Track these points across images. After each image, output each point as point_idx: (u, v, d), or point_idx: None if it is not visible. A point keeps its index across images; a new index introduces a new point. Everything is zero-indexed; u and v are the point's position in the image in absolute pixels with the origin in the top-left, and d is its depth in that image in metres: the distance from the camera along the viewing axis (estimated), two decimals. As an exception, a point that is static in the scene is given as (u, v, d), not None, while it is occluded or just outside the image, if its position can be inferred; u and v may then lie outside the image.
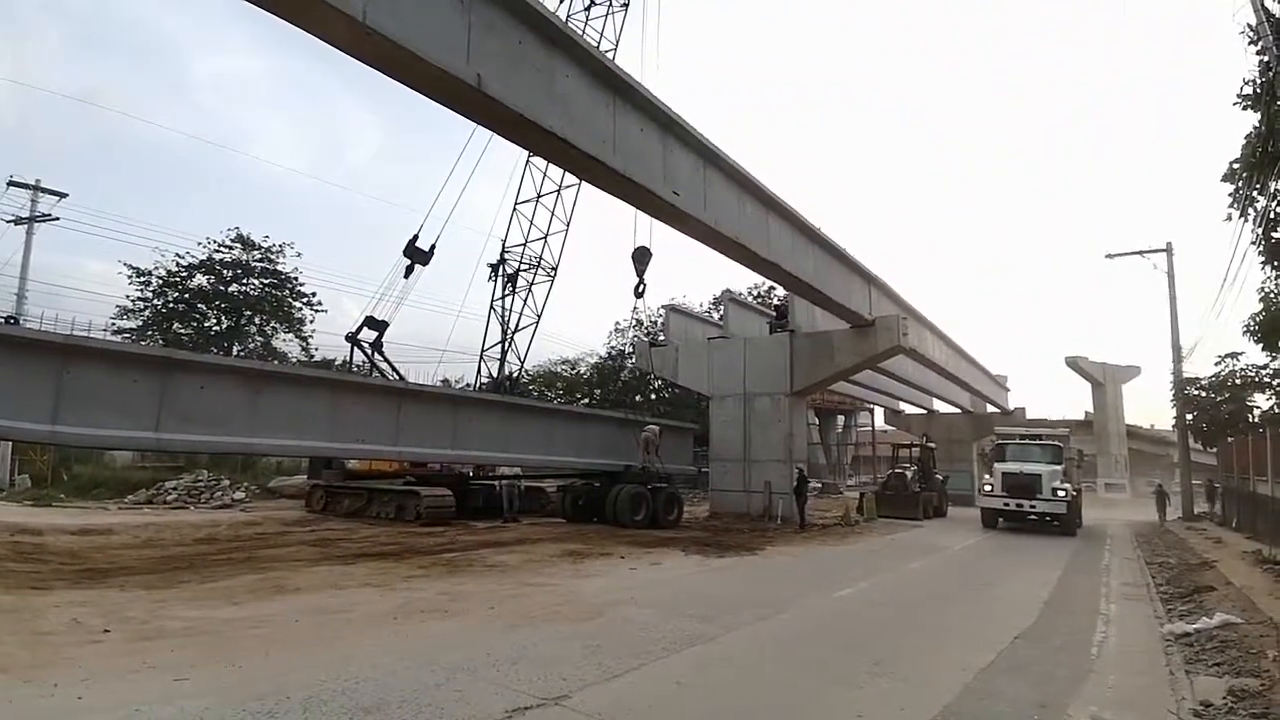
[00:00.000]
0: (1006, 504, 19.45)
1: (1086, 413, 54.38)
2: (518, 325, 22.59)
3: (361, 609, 7.48)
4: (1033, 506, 19.00)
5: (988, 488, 20.26)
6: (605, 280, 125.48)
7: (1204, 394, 28.08)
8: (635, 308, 30.19)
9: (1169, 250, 28.47)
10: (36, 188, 27.95)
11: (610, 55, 19.78)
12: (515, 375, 23.30)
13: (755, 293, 38.18)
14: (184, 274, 30.48)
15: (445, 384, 27.19)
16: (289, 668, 5.21)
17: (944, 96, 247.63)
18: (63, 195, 28.39)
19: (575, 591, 8.88)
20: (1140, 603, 9.55)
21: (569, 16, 20.61)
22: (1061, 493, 18.63)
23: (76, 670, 5.02)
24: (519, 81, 8.46)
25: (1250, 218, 13.52)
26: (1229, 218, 14.28)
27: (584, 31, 20.41)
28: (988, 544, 16.73)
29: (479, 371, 23.23)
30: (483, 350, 22.96)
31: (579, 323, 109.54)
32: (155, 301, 30.17)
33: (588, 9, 21.25)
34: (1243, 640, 6.64)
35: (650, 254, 18.11)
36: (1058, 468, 19.35)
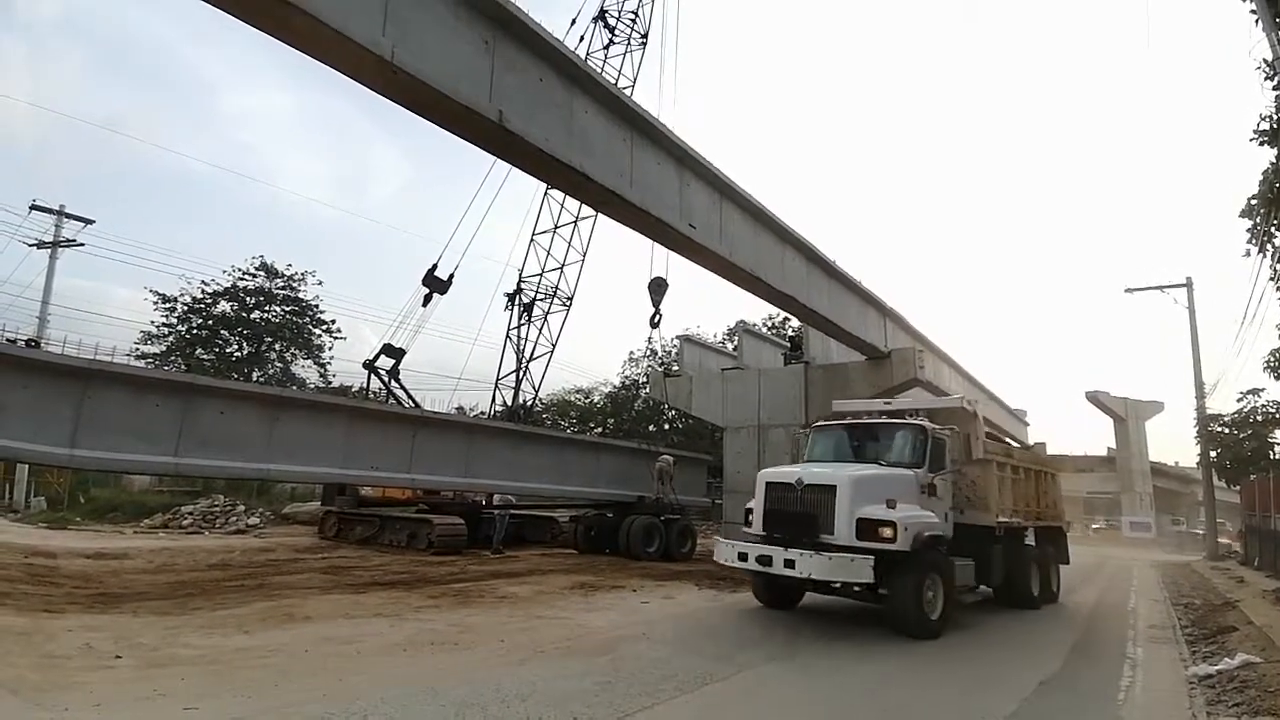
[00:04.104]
0: (743, 555, 9.12)
1: (1109, 448, 53.42)
2: (533, 354, 22.77)
3: (371, 639, 7.43)
4: (788, 564, 8.45)
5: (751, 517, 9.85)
6: (620, 310, 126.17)
7: (1227, 431, 27.60)
8: (650, 338, 30.38)
9: (1189, 285, 28.24)
10: (60, 213, 28.18)
11: (629, 91, 20.19)
12: (529, 404, 23.37)
13: (770, 323, 38.16)
14: (209, 300, 31.06)
15: (460, 412, 27.26)
16: (297, 699, 5.18)
17: (966, 129, 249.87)
18: (89, 222, 28.68)
19: (586, 625, 8.78)
20: (1167, 645, 9.30)
21: (589, 54, 21.11)
22: (888, 531, 8.29)
23: (88, 695, 5.03)
24: (539, 118, 8.64)
25: (1269, 253, 13.45)
26: (1248, 253, 14.22)
27: (603, 69, 20.89)
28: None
29: (493, 400, 23.37)
30: (498, 378, 23.11)
31: (594, 352, 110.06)
32: (180, 327, 30.71)
33: (607, 47, 21.81)
34: (1261, 680, 6.59)
35: (666, 285, 18.25)
36: (906, 474, 9.37)
